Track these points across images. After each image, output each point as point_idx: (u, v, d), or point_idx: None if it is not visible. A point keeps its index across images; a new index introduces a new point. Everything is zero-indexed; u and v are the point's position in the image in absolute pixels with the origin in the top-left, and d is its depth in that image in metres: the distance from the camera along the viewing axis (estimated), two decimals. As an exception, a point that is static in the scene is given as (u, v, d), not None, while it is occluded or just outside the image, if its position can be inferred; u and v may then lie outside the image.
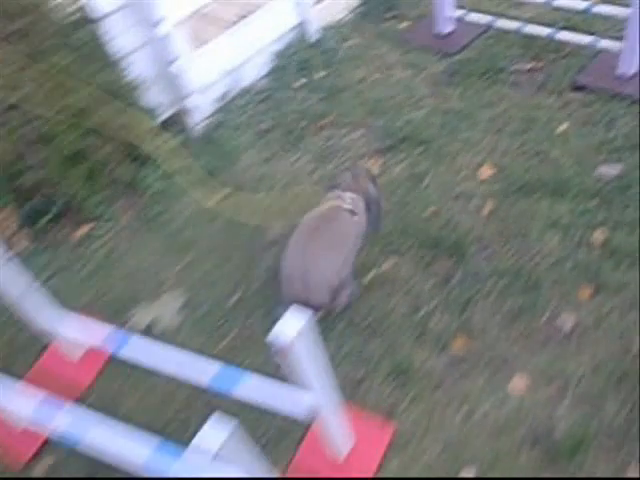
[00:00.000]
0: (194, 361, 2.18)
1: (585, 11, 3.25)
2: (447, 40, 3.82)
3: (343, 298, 2.48)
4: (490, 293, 2.52)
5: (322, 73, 3.75)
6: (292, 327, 1.58)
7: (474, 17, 3.69)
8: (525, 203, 2.81)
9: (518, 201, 2.83)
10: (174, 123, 3.40)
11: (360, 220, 2.55)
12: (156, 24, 3.03)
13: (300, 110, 3.55)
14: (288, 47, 3.81)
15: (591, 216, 2.69)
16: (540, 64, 3.51)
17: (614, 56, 3.27)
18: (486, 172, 2.99)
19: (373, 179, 2.75)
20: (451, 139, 3.18)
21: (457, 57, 3.69)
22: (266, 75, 3.76)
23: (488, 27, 3.66)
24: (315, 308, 2.31)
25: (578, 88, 3.31)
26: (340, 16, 4.08)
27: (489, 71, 3.51)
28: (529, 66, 3.50)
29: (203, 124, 3.45)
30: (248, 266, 2.85)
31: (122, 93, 2.97)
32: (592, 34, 3.35)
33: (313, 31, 3.87)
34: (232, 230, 2.99)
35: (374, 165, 3.15)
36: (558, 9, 3.36)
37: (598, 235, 2.62)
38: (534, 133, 3.12)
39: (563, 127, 3.12)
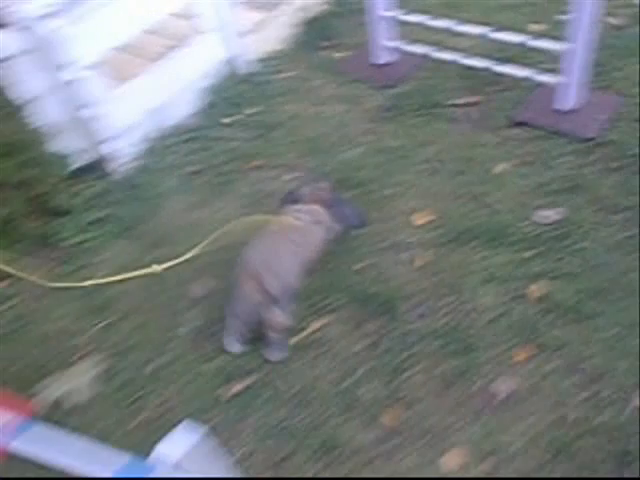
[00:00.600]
0: (96, 454, 1.98)
1: (522, 44, 3.13)
2: (384, 71, 3.67)
3: (281, 317, 2.38)
4: (423, 356, 2.37)
5: (255, 109, 3.57)
6: (178, 448, 1.39)
7: (411, 47, 3.54)
8: (461, 253, 2.67)
9: (454, 251, 2.69)
10: (94, 169, 3.18)
11: (321, 230, 2.53)
12: (65, 67, 2.80)
13: (230, 150, 3.36)
14: (218, 82, 3.62)
15: (529, 267, 2.57)
16: (478, 98, 3.38)
17: (552, 90, 3.16)
18: (421, 218, 2.84)
19: (333, 188, 2.70)
20: (386, 182, 3.03)
21: (394, 90, 3.55)
22: (195, 112, 3.56)
23: (426, 58, 3.52)
24: (265, 297, 2.30)
25: (516, 124, 3.19)
26: (274, 47, 3.91)
27: (426, 105, 3.38)
28: (467, 100, 3.37)
29: (126, 169, 3.23)
30: (170, 328, 2.65)
31: (28, 142, 2.74)
32: (530, 67, 3.23)
33: (245, 64, 3.69)
34: (155, 287, 2.78)
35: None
36: (495, 41, 3.22)
37: (536, 288, 2.49)
38: (471, 174, 2.99)
39: (501, 167, 2.99)
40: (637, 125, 3.06)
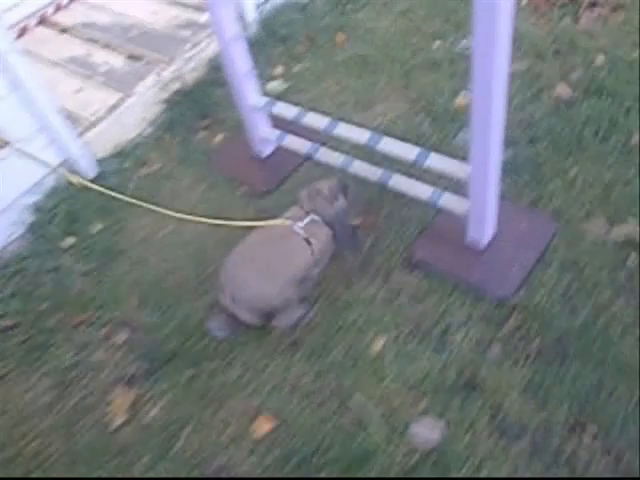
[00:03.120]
0: None
1: (416, 161, 2.31)
2: (265, 167, 2.92)
3: (286, 319, 2.23)
4: None
5: (99, 226, 2.85)
6: None
7: (291, 143, 2.73)
8: (305, 494, 1.96)
9: (296, 489, 1.98)
10: None
11: (316, 247, 2.22)
12: None
13: (59, 292, 2.66)
14: (53, 193, 2.89)
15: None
16: (371, 219, 2.59)
17: (462, 217, 2.35)
18: (262, 427, 2.12)
19: (344, 190, 2.36)
20: (230, 361, 2.30)
21: (271, 198, 2.78)
22: (21, 237, 2.84)
23: (309, 157, 2.71)
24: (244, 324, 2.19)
25: (415, 264, 2.40)
26: (136, 132, 3.12)
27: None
28: (358, 221, 2.58)
29: None
30: None
31: None
32: (434, 185, 2.41)
33: (89, 165, 2.93)
34: None
35: (123, 401, 2.28)
36: (383, 153, 2.40)
37: None
38: (340, 354, 2.23)
39: (382, 342, 2.23)
40: (571, 274, 2.25)
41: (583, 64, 2.97)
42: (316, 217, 2.25)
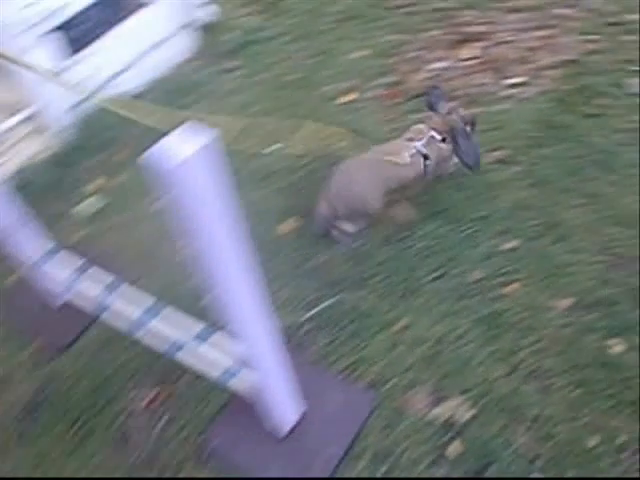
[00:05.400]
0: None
1: (195, 340, 1.92)
2: (55, 321, 2.47)
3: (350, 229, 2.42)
4: None
5: None
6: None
7: (81, 297, 2.30)
8: None
9: None
10: None
11: (420, 166, 2.40)
12: None
13: None
14: None
15: None
16: (167, 392, 2.19)
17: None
18: None
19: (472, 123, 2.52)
20: None
21: (59, 363, 2.35)
22: None
23: (95, 317, 2.30)
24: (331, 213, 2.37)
25: (208, 454, 2.02)
26: None
27: (92, 406, 2.19)
28: (152, 395, 2.18)
29: None
30: None
31: None
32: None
33: None
34: None
35: None
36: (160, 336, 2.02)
37: None
38: None
39: None
40: (384, 468, 1.89)
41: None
42: (437, 135, 2.41)
